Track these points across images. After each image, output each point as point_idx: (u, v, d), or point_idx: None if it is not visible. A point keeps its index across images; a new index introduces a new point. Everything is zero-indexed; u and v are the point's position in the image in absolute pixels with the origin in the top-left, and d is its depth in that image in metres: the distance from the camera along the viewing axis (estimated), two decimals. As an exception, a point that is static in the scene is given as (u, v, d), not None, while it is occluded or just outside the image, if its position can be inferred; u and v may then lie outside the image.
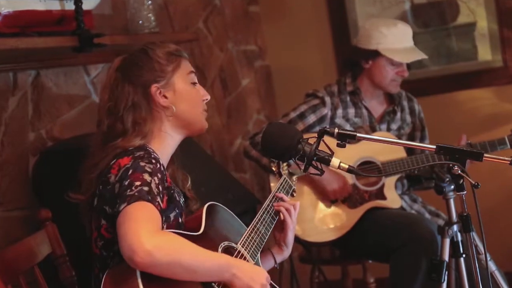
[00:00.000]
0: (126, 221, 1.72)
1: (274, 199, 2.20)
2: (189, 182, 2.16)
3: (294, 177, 2.35)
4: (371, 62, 3.18)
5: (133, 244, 1.67)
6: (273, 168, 2.38)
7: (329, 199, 3.13)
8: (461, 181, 1.97)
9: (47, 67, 2.76)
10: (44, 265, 2.20)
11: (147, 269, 1.69)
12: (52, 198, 2.47)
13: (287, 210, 2.17)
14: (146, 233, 1.68)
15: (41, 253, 2.19)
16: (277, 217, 2.18)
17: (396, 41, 3.14)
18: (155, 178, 1.82)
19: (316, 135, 2.00)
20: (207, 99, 2.08)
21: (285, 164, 2.36)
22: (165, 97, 2.00)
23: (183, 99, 2.02)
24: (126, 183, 1.79)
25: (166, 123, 2.01)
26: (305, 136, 2.03)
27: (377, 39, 3.15)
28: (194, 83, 2.07)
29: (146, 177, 1.81)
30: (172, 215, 1.92)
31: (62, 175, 2.14)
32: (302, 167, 2.00)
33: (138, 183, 1.79)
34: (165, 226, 1.89)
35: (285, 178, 2.29)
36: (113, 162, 1.88)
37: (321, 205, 3.15)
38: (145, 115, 1.97)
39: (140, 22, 3.00)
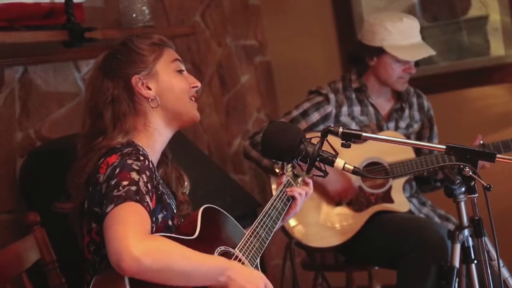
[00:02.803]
0: (113, 225, 1.71)
1: (275, 202, 2.20)
2: (186, 183, 2.14)
3: (299, 179, 2.34)
4: (376, 59, 3.18)
5: (120, 249, 1.66)
6: (277, 170, 2.37)
7: (333, 200, 3.13)
8: (473, 183, 1.96)
9: (36, 63, 2.76)
10: (33, 272, 2.20)
11: (135, 276, 1.68)
12: (41, 201, 2.47)
13: (300, 194, 2.24)
14: (133, 238, 1.67)
15: (29, 259, 2.19)
16: (279, 221, 2.18)
17: (401, 37, 3.14)
18: (143, 176, 1.82)
19: (319, 134, 2.00)
20: (197, 86, 2.06)
21: (289, 165, 2.36)
22: (149, 88, 1.99)
23: (168, 88, 2.01)
24: (113, 182, 1.79)
25: (152, 117, 1.99)
26: (308, 135, 2.03)
27: (381, 35, 3.15)
28: (180, 71, 2.05)
29: (134, 175, 1.80)
30: (160, 217, 1.92)
31: (51, 177, 2.14)
32: (305, 169, 2.00)
33: (125, 182, 1.78)
34: (154, 229, 1.88)
35: (288, 180, 2.29)
36: (101, 161, 1.88)
37: (325, 209, 3.15)
38: (126, 109, 1.96)
39: (134, 15, 3.00)
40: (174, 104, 2.01)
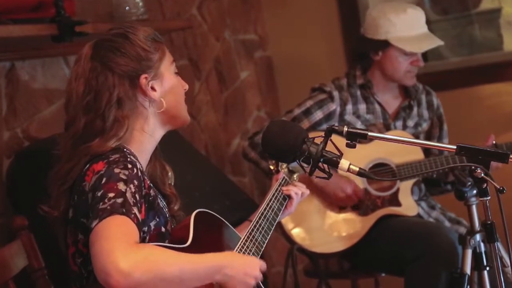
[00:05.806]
0: (98, 240, 1.70)
1: (271, 202, 2.20)
2: (170, 173, 2.12)
3: (295, 176, 2.33)
4: (381, 54, 3.18)
5: (107, 265, 1.65)
6: (271, 167, 2.37)
7: (337, 205, 3.13)
8: (485, 185, 1.96)
9: (23, 58, 2.75)
10: (20, 279, 2.19)
11: None
12: (28, 204, 2.46)
13: (296, 193, 2.25)
14: (119, 252, 1.66)
15: (16, 266, 2.19)
16: (275, 222, 2.18)
17: (406, 29, 3.14)
18: (131, 186, 1.80)
19: (323, 134, 1.99)
20: (186, 90, 2.07)
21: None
22: (154, 89, 1.98)
23: (171, 91, 2.00)
24: (99, 194, 1.78)
25: (150, 121, 1.98)
26: (311, 135, 2.03)
27: (385, 28, 3.15)
28: (176, 73, 2.05)
29: (121, 186, 1.79)
30: (152, 224, 1.91)
31: (39, 179, 2.13)
32: (308, 170, 2.00)
33: (111, 194, 1.77)
34: (147, 238, 1.88)
35: (284, 178, 2.29)
36: (86, 168, 1.87)
37: (328, 212, 3.15)
38: (128, 112, 1.93)
39: (127, 8, 3.00)
40: (174, 107, 2.01)
